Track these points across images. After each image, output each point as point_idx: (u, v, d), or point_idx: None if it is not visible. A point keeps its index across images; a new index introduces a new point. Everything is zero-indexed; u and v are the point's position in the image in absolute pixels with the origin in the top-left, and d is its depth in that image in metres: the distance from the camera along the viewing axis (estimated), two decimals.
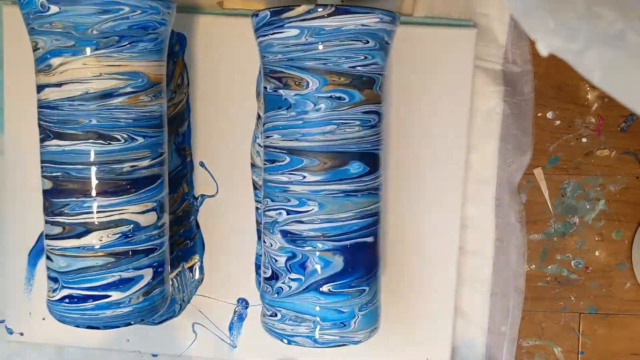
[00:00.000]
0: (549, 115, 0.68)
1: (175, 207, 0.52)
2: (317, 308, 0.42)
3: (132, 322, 0.43)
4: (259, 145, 0.51)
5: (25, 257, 0.53)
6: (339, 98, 0.41)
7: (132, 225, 0.42)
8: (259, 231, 0.52)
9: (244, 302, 0.53)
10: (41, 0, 0.39)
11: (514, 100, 0.53)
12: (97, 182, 0.41)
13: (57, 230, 0.42)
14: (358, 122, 0.41)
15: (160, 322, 0.53)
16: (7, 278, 0.54)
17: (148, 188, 0.43)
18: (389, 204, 0.51)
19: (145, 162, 0.43)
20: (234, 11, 0.51)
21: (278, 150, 0.42)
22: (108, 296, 0.42)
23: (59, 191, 0.42)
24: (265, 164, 0.44)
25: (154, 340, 0.54)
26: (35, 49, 0.41)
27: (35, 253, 0.53)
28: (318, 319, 0.42)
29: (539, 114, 0.68)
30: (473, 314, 0.53)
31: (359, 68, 0.41)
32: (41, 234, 0.53)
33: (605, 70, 0.24)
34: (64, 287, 0.42)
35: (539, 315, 0.71)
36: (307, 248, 0.42)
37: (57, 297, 0.43)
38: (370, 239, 0.43)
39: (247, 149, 0.52)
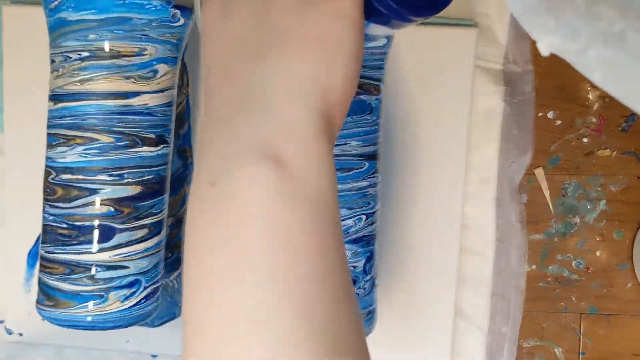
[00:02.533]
0: (550, 115, 0.68)
1: (177, 209, 0.52)
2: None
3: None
4: None
5: (24, 257, 0.53)
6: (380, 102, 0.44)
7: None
8: None
9: None
10: (173, 12, 0.39)
11: (515, 100, 0.53)
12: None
13: (143, 232, 0.41)
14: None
15: (161, 324, 0.53)
16: (7, 278, 0.54)
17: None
18: (389, 204, 0.51)
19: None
20: None
21: (357, 158, 0.42)
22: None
23: (149, 194, 0.41)
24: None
25: (153, 340, 0.54)
26: (141, 54, 0.40)
27: (35, 253, 0.53)
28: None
29: (540, 114, 0.68)
30: (473, 314, 0.53)
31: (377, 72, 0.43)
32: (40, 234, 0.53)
33: (606, 69, 0.24)
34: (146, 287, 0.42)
35: (540, 316, 0.71)
36: (373, 246, 0.44)
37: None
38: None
39: None
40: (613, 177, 0.69)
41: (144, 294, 0.41)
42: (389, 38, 0.42)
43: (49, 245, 0.41)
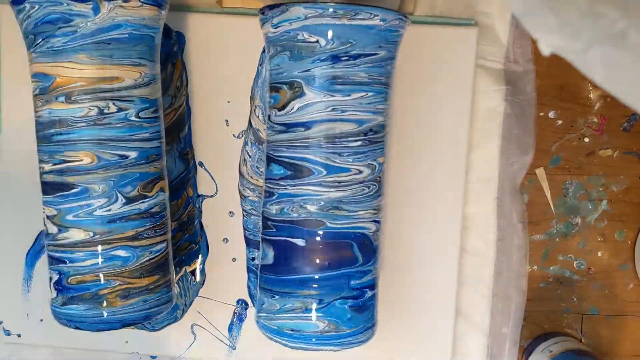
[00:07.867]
0: (551, 114, 0.68)
1: (179, 213, 0.52)
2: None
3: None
4: (248, 153, 0.51)
5: (23, 257, 0.53)
6: None
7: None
8: (246, 238, 0.52)
9: (243, 304, 0.53)
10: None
11: (516, 99, 0.52)
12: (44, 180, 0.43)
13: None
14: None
15: (162, 328, 0.53)
16: (5, 279, 0.53)
17: (53, 195, 0.42)
18: (389, 204, 0.51)
19: (47, 167, 0.42)
20: (232, 10, 0.51)
21: None
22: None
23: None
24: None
25: (152, 342, 0.54)
26: None
27: (33, 254, 0.53)
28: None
29: (541, 114, 0.67)
30: (474, 314, 0.53)
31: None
32: (39, 235, 0.53)
33: (608, 69, 0.24)
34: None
35: (541, 317, 0.71)
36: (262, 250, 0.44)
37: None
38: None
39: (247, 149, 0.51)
40: (615, 177, 0.69)
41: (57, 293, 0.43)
42: (392, 57, 0.41)
43: None
